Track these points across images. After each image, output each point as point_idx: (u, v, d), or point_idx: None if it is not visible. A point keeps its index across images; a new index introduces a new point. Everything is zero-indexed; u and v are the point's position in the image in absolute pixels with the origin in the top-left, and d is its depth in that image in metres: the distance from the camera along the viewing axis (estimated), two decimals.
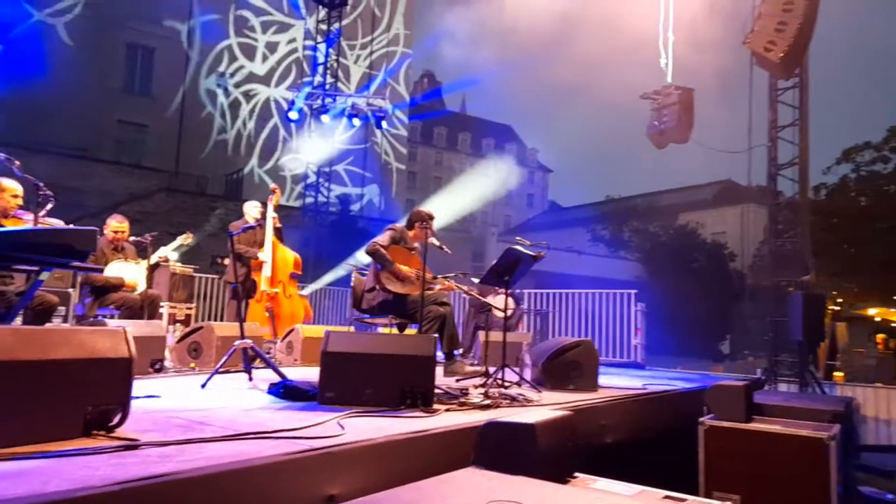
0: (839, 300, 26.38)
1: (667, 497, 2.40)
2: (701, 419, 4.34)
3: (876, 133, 28.32)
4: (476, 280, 4.65)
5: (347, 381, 3.11)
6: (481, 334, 6.28)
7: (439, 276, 4.56)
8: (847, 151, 28.19)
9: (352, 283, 4.75)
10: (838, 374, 14.51)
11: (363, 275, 4.74)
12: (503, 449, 2.45)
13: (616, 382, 5.18)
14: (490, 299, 6.36)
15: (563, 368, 4.52)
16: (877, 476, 6.63)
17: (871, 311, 26.55)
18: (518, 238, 4.46)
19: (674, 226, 36.63)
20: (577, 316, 10.52)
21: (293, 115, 15.88)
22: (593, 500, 2.08)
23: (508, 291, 8.11)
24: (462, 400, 3.37)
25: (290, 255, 6.74)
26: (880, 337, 20.82)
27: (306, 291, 9.44)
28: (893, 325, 27.91)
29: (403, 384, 3.09)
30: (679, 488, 4.24)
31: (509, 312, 8.20)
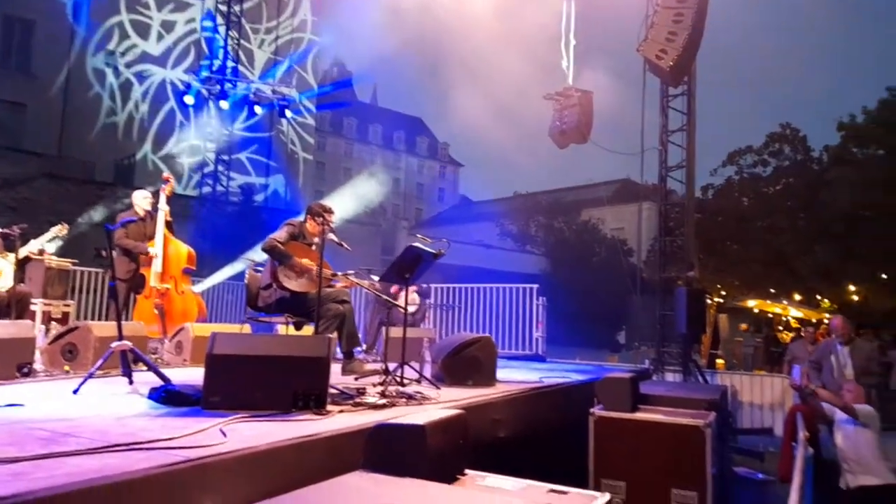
0: (723, 293, 28.43)
1: (551, 491, 2.48)
2: (591, 410, 4.54)
3: (758, 138, 30.72)
4: (376, 278, 4.60)
5: (235, 384, 2.97)
6: (385, 330, 6.25)
7: (339, 273, 4.47)
8: (732, 155, 30.41)
9: (245, 281, 4.56)
10: (720, 363, 15.67)
11: (258, 271, 4.57)
12: (392, 451, 2.43)
13: (514, 376, 5.30)
14: (400, 294, 6.32)
15: (463, 364, 4.57)
16: (750, 457, 7.23)
17: (751, 303, 28.89)
18: (419, 235, 4.45)
19: (577, 222, 38.07)
20: (482, 310, 10.70)
21: (189, 99, 15.07)
22: (477, 499, 2.10)
23: (415, 287, 8.12)
24: (357, 400, 3.32)
25: (183, 249, 6.39)
26: (744, 326, 22.71)
27: (201, 287, 9.00)
28: (770, 315, 30.52)
29: (296, 386, 3.00)
30: (574, 477, 4.42)
31: (414, 308, 8.23)
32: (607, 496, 2.48)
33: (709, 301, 27.92)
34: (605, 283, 27.00)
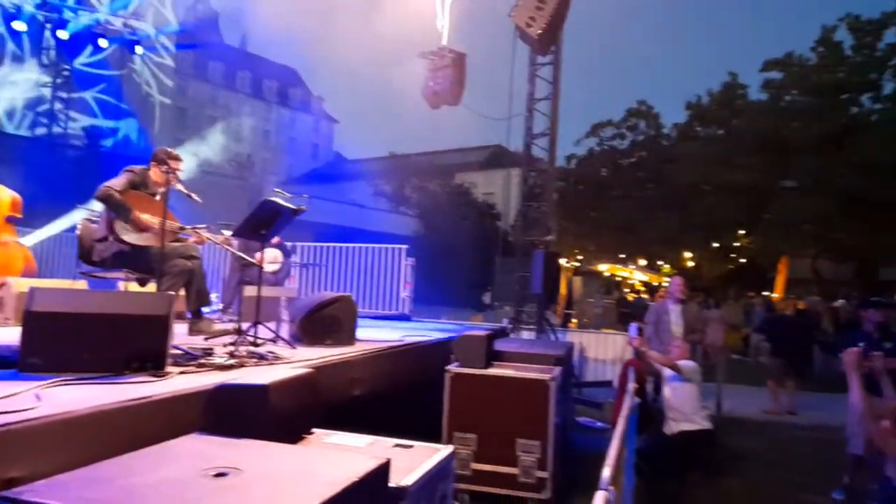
0: (580, 257, 30.47)
1: (397, 445, 2.53)
2: (447, 367, 4.69)
3: (619, 112, 32.77)
4: (227, 232, 4.35)
5: (59, 345, 2.70)
6: (241, 289, 5.98)
7: (188, 227, 4.18)
8: (594, 126, 32.29)
9: (77, 232, 4.13)
10: (574, 322, 16.89)
11: (95, 222, 4.15)
12: (234, 413, 2.34)
13: (376, 336, 5.32)
14: (259, 252, 6.05)
15: (321, 324, 4.49)
16: (591, 407, 7.89)
17: (603, 267, 31.25)
18: (276, 189, 4.26)
19: (450, 185, 38.67)
20: (351, 270, 10.62)
21: (20, 25, 13.18)
22: (316, 455, 2.08)
23: (278, 242, 7.82)
24: (202, 361, 3.16)
25: (5, 195, 5.65)
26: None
27: (32, 240, 8.07)
28: (618, 279, 33.22)
29: (130, 347, 2.78)
30: (433, 432, 4.54)
31: (276, 267, 7.95)
32: (450, 448, 2.57)
33: (566, 265, 29.79)
34: (474, 245, 27.82)
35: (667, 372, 5.80)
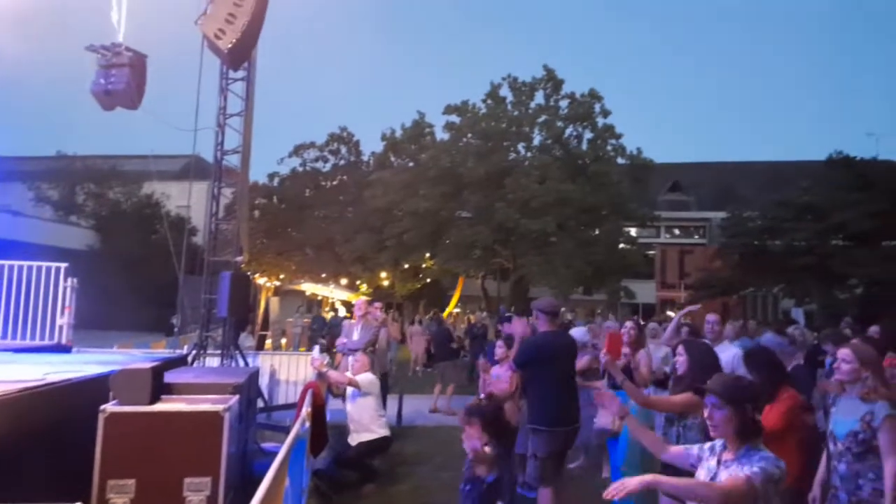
0: (281, 276, 30.10)
1: None
2: (103, 406, 4.13)
3: (322, 135, 33.48)
4: None
5: None
6: None
7: None
8: (297, 147, 32.45)
9: None
10: (269, 344, 16.53)
11: None
12: None
13: (11, 374, 4.43)
14: None
15: None
16: (279, 432, 7.76)
17: (305, 286, 31.37)
18: None
19: (137, 194, 34.74)
20: None
21: None
22: None
23: None
24: None
25: None
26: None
27: None
28: (319, 298, 33.72)
29: None
30: (78, 481, 3.91)
31: None
32: None
33: (267, 284, 29.08)
34: (164, 262, 25.29)
35: (349, 389, 6.08)
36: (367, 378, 6.00)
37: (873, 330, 6.72)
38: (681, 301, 29.47)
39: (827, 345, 5.91)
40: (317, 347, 6.61)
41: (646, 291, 31.83)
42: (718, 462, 2.48)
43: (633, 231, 29.25)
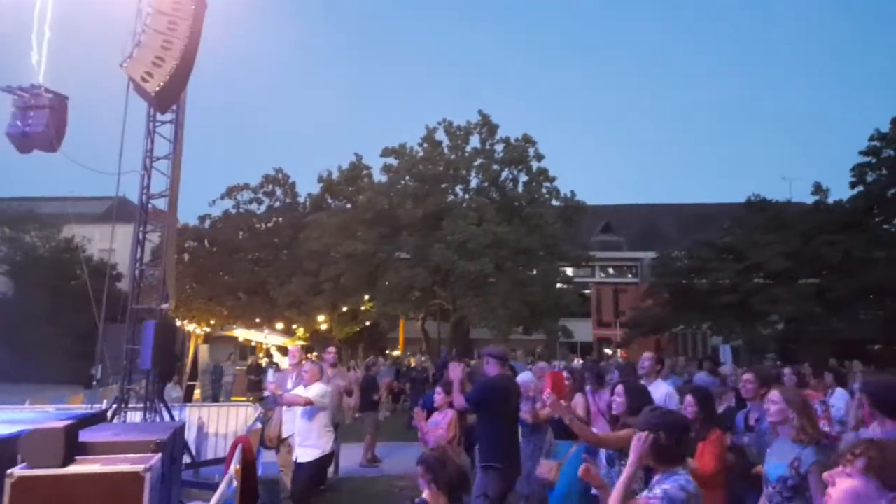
0: (212, 322, 28.95)
1: None
2: (10, 471, 3.79)
3: (256, 177, 32.94)
4: None
5: None
6: None
7: None
8: (230, 189, 31.72)
9: None
10: (198, 394, 15.75)
11: None
12: None
13: None
14: None
15: None
16: (207, 490, 7.33)
17: (237, 332, 30.25)
18: None
19: (56, 238, 32.99)
20: None
21: None
22: None
23: None
24: None
25: None
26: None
27: None
28: (253, 344, 32.58)
29: None
30: None
31: None
32: None
33: (196, 331, 27.89)
34: (83, 310, 23.92)
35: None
36: (320, 390, 5.85)
37: (787, 373, 6.87)
38: (617, 339, 30.20)
39: None
40: (271, 370, 6.44)
41: (583, 330, 32.44)
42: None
43: (569, 271, 29.94)
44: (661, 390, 5.56)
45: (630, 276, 39.61)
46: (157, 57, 6.68)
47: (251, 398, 13.76)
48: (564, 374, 5.89)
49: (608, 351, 31.38)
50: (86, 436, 4.51)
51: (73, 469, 3.99)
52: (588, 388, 5.70)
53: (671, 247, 29.18)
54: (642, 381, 5.24)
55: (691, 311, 25.53)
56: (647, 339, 25.74)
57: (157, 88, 6.69)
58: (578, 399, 5.68)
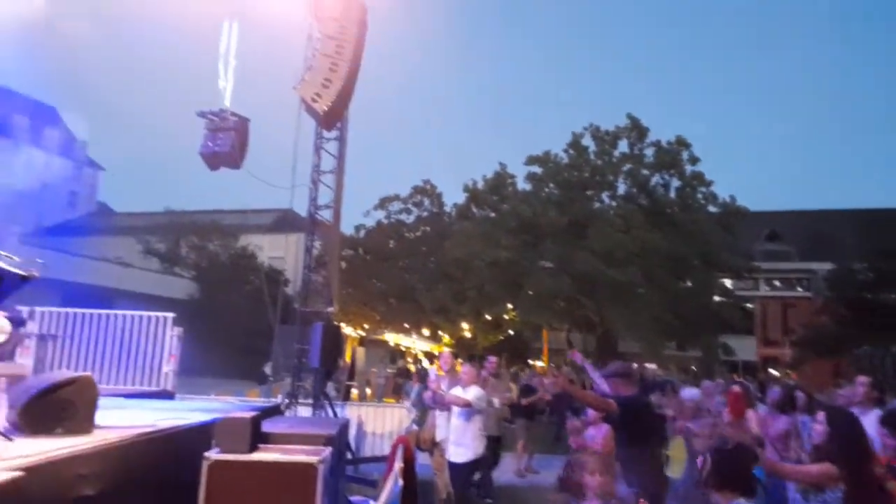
0: (366, 326, 30.68)
1: None
2: (206, 454, 4.27)
3: (405, 188, 34.51)
4: None
5: None
6: None
7: None
8: (383, 200, 33.53)
9: None
10: (355, 394, 16.72)
11: None
12: None
13: (124, 420, 4.68)
14: None
15: (50, 410, 3.83)
16: (366, 486, 7.74)
17: (388, 337, 31.78)
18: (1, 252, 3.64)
19: (234, 246, 36.82)
20: (105, 340, 9.31)
21: None
22: None
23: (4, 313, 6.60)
24: None
25: None
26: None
27: None
28: (403, 348, 34.01)
29: None
30: None
31: (2, 338, 6.68)
32: None
33: (352, 334, 29.64)
34: (258, 312, 26.44)
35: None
36: (479, 393, 5.99)
37: None
38: (785, 359, 27.48)
39: None
40: (433, 371, 6.73)
41: (746, 348, 29.89)
42: None
43: (728, 283, 27.79)
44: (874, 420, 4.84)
45: (800, 289, 35.84)
46: (326, 79, 7.26)
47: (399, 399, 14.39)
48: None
49: (775, 372, 28.59)
50: (266, 426, 4.96)
51: (256, 456, 4.40)
52: (765, 408, 5.21)
53: (848, 256, 26.00)
54: (854, 410, 4.59)
55: (878, 330, 22.53)
56: (822, 360, 23.10)
57: (326, 108, 7.26)
58: (752, 415, 5.22)
